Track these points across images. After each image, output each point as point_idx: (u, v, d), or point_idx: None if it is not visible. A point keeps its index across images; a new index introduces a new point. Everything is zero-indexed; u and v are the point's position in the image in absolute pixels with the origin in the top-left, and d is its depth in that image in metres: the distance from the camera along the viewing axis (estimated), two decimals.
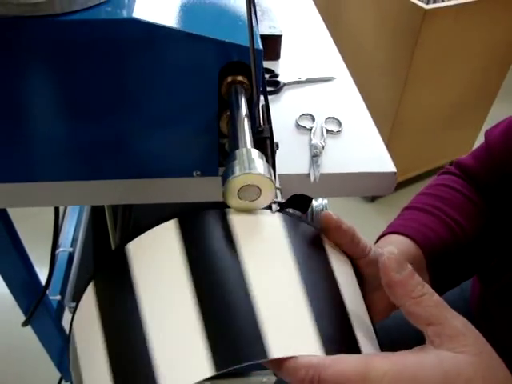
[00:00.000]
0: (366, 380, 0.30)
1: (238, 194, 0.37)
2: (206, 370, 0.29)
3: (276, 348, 0.30)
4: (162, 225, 0.37)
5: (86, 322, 0.37)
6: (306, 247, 0.37)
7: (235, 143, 0.42)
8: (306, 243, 0.38)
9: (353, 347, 0.34)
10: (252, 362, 0.29)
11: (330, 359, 0.30)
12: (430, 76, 1.62)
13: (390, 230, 0.57)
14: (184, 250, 0.35)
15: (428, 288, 0.34)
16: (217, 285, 0.33)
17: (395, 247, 0.37)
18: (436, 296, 0.34)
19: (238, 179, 0.37)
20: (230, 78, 0.49)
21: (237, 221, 0.37)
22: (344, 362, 0.30)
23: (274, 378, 1.21)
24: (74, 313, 0.39)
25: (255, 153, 0.39)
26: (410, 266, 0.35)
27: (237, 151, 0.39)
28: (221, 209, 0.38)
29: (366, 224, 1.82)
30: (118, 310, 0.35)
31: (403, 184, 1.92)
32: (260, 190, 0.37)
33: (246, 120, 0.44)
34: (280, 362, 0.30)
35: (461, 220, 0.57)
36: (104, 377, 0.32)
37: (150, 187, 0.60)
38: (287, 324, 0.32)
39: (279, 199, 0.41)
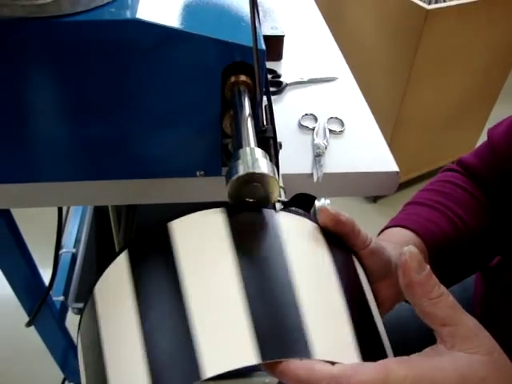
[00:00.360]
0: None
1: (241, 193, 0.38)
2: (252, 357, 0.29)
3: (319, 350, 0.30)
4: (209, 210, 0.37)
5: (114, 295, 0.35)
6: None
7: (239, 142, 0.42)
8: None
9: (382, 354, 0.34)
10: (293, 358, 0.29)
11: (351, 369, 0.30)
12: (431, 76, 1.62)
13: (393, 224, 0.56)
14: (231, 239, 0.35)
15: (444, 289, 0.35)
16: (265, 279, 0.33)
17: (408, 243, 0.37)
18: (451, 297, 0.34)
19: (242, 178, 0.36)
20: (233, 78, 0.49)
21: (288, 226, 0.37)
22: (364, 371, 0.30)
23: (276, 380, 1.20)
24: (95, 282, 0.37)
25: (259, 152, 0.39)
26: (428, 266, 0.35)
27: (240, 150, 0.39)
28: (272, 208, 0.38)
29: (369, 224, 1.82)
30: (158, 287, 0.33)
31: (405, 184, 1.92)
32: (264, 190, 0.38)
33: (249, 120, 0.45)
34: (299, 374, 0.30)
35: (464, 216, 0.57)
36: (137, 358, 0.30)
37: (153, 187, 0.60)
38: (329, 328, 0.32)
39: (283, 198, 0.41)
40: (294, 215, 0.38)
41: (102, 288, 0.36)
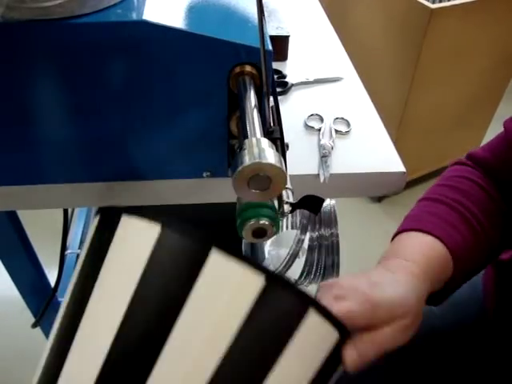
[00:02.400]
0: None
1: (248, 184, 0.37)
2: None
3: None
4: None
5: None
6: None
7: (244, 134, 0.41)
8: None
9: None
10: None
11: None
12: (436, 75, 1.62)
13: (410, 226, 0.54)
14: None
15: None
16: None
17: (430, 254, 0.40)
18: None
19: (249, 168, 0.36)
20: (238, 69, 0.48)
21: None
22: None
23: None
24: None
25: (265, 142, 0.38)
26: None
27: (246, 140, 0.38)
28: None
29: (374, 224, 1.82)
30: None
31: (410, 184, 1.92)
32: (271, 180, 0.37)
33: (255, 111, 0.44)
34: None
35: (483, 219, 0.55)
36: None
37: (159, 188, 0.60)
38: None
39: (291, 200, 0.41)
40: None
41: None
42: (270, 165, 0.36)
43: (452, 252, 0.51)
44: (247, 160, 0.36)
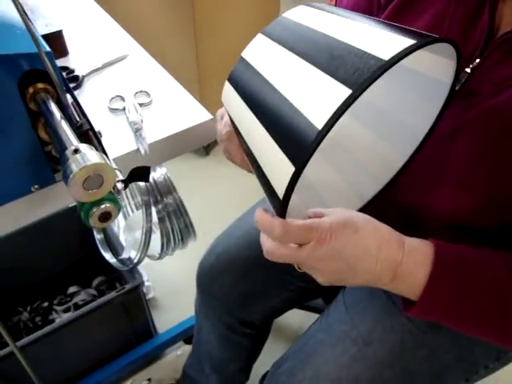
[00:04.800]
0: None
1: (83, 188, 0.40)
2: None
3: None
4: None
5: None
6: None
7: (62, 147, 0.44)
8: None
9: None
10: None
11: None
12: (215, 21, 1.69)
13: None
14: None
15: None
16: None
17: None
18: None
19: (78, 175, 0.39)
20: (31, 89, 0.49)
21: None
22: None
23: None
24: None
25: (83, 146, 0.42)
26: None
27: (66, 151, 0.41)
28: None
29: (206, 176, 1.91)
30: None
31: None
32: (102, 176, 0.41)
33: (62, 121, 0.46)
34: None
35: None
36: None
37: None
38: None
39: (121, 177, 0.45)
40: None
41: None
42: (96, 164, 0.39)
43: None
44: (75, 168, 0.39)
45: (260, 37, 0.50)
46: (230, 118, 0.52)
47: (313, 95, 0.40)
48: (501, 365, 0.73)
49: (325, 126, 0.37)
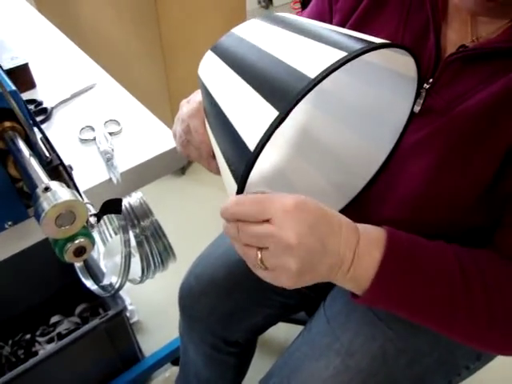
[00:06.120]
0: None
1: (56, 225, 0.41)
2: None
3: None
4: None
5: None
6: None
7: (32, 184, 0.44)
8: None
9: None
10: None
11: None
12: (182, 41, 1.69)
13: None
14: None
15: None
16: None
17: None
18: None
19: (50, 212, 0.40)
20: None
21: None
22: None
23: None
24: None
25: (54, 184, 0.42)
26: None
27: (37, 190, 0.42)
28: None
29: (183, 196, 1.91)
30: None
31: None
32: (74, 213, 0.41)
33: (31, 159, 0.47)
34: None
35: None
36: None
37: None
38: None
39: (93, 211, 0.45)
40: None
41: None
42: (67, 201, 0.40)
43: None
44: (46, 206, 0.39)
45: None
46: (204, 89, 0.52)
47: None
48: (482, 364, 0.74)
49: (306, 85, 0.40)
